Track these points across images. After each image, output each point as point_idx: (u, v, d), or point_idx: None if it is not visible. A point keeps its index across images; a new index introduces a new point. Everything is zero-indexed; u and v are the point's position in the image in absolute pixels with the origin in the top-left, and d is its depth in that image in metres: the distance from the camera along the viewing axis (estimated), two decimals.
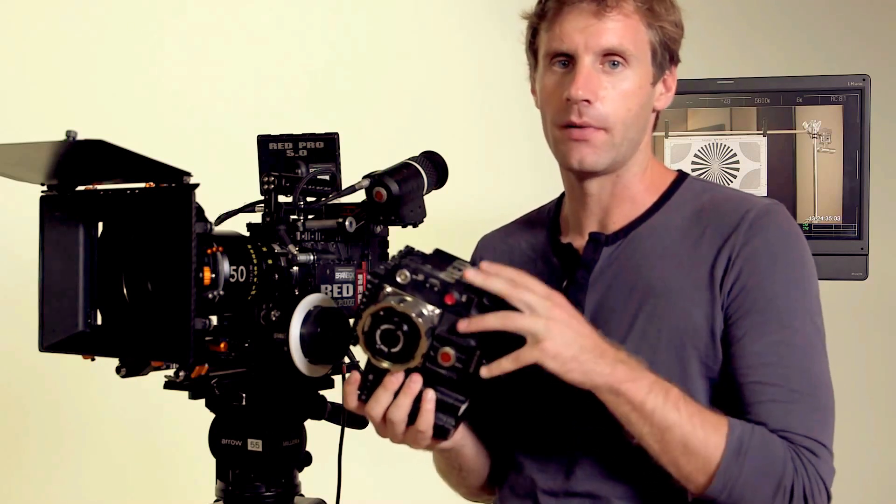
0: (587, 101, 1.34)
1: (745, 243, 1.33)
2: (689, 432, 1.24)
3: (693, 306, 1.34)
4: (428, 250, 1.29)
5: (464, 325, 1.18)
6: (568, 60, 1.37)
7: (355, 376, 1.25)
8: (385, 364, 1.20)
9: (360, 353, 1.29)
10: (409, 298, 1.19)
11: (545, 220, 1.55)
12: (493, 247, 1.59)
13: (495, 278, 1.20)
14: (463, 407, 1.24)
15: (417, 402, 1.22)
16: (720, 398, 1.34)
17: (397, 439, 1.26)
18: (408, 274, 1.20)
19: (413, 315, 1.17)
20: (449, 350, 1.19)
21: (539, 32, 1.42)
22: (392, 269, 1.21)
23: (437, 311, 1.20)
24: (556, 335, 1.19)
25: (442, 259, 1.26)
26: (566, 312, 1.21)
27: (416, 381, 1.21)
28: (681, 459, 1.25)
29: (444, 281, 1.20)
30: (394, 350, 1.19)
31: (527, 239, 1.54)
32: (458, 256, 1.28)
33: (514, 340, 1.21)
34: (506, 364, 1.19)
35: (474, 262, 1.59)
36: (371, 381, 1.23)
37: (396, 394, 1.22)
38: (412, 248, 1.28)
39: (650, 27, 1.38)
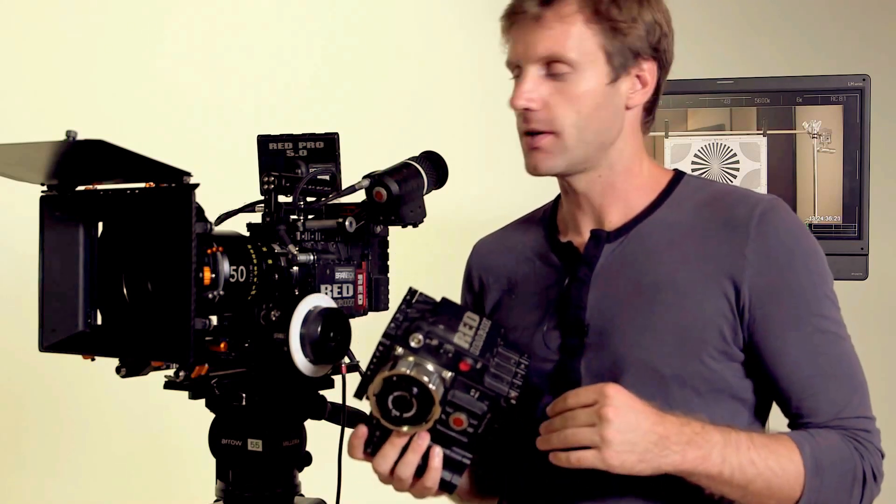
0: (529, 109, 1.37)
1: (758, 240, 1.34)
2: (770, 477, 1.27)
3: (702, 300, 1.34)
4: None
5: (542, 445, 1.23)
6: (519, 71, 1.39)
7: (362, 430, 1.24)
8: (396, 427, 1.21)
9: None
10: (421, 364, 1.19)
11: (542, 221, 1.55)
12: (488, 250, 1.59)
13: (553, 435, 1.23)
14: (469, 462, 1.24)
15: (424, 456, 1.23)
16: (759, 387, 1.37)
17: (402, 491, 1.28)
18: (421, 338, 1.19)
19: (427, 382, 1.17)
20: (461, 416, 1.20)
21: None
22: (405, 332, 1.20)
23: (450, 374, 1.20)
24: (616, 443, 1.20)
25: (451, 313, 1.26)
26: (620, 411, 1.21)
27: (424, 438, 1.22)
28: (767, 500, 1.29)
29: (459, 347, 1.20)
30: (406, 415, 1.19)
31: (524, 240, 1.55)
32: (466, 307, 1.29)
33: (529, 401, 1.24)
34: (572, 459, 1.21)
35: (472, 268, 1.60)
36: (378, 437, 1.24)
37: (403, 449, 1.23)
38: (415, 291, 1.29)
39: (596, 28, 1.36)
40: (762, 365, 1.35)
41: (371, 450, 1.24)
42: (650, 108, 1.45)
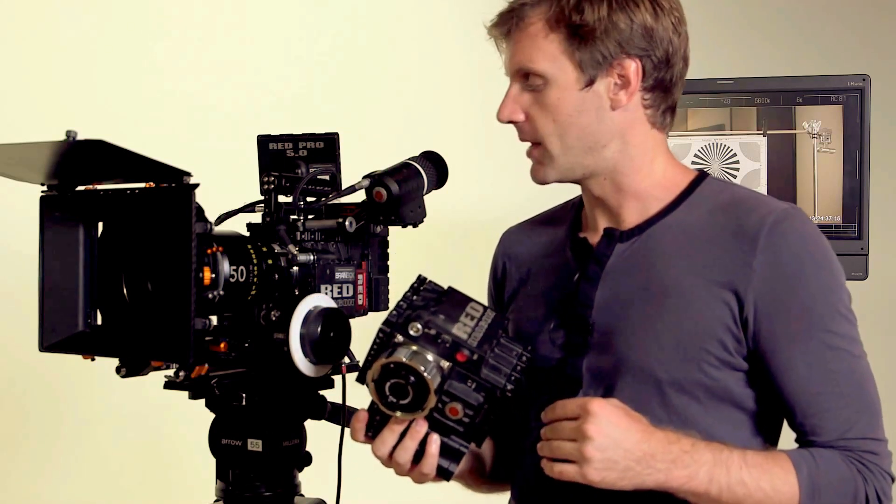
0: (514, 122, 1.41)
1: (767, 251, 1.32)
2: (761, 498, 1.26)
3: (706, 308, 1.33)
4: (440, 279, 1.30)
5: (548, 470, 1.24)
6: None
7: (363, 414, 1.27)
8: (392, 413, 1.22)
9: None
10: (419, 353, 1.20)
11: (568, 216, 1.55)
12: (515, 239, 1.61)
13: (544, 444, 1.25)
14: (466, 451, 1.25)
15: (423, 443, 1.24)
16: (763, 398, 1.36)
17: (401, 475, 1.29)
18: (420, 327, 1.21)
19: (423, 371, 1.18)
20: (457, 406, 1.21)
21: None
22: (405, 320, 1.22)
23: (448, 364, 1.20)
24: (595, 460, 1.20)
25: (455, 302, 1.27)
26: (601, 428, 1.21)
27: (422, 425, 1.24)
28: None
29: (457, 337, 1.21)
30: (403, 402, 1.21)
31: (548, 233, 1.55)
32: (472, 297, 1.30)
33: (530, 396, 1.25)
34: (555, 471, 1.23)
35: (498, 256, 1.61)
36: (378, 421, 1.26)
37: (402, 435, 1.24)
38: (424, 278, 1.31)
39: (560, 36, 1.36)
40: (769, 378, 1.34)
41: (372, 433, 1.26)
42: (657, 105, 1.41)
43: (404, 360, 1.18)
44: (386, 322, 1.23)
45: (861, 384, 1.33)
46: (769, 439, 1.40)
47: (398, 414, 1.22)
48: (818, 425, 1.32)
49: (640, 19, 1.36)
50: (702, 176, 1.46)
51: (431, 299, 1.27)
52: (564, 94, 1.37)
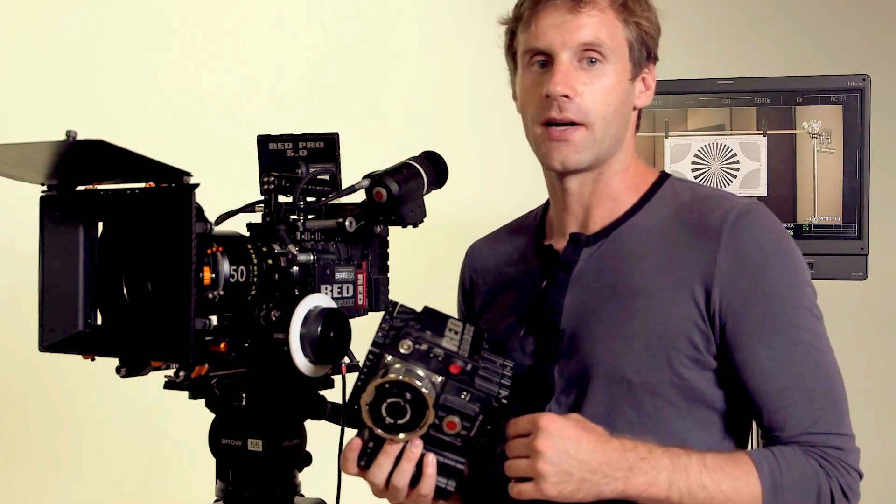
0: (566, 96, 1.34)
1: (730, 246, 1.32)
2: (723, 501, 1.25)
3: (674, 307, 1.33)
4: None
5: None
6: (546, 59, 1.37)
7: (356, 443, 1.25)
8: (390, 435, 1.21)
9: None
10: (412, 369, 1.20)
11: (531, 225, 1.55)
12: (480, 252, 1.61)
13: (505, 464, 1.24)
14: (463, 467, 1.24)
15: (418, 464, 1.23)
16: (732, 398, 1.35)
17: (396, 502, 1.27)
18: (410, 344, 1.20)
19: (421, 387, 1.18)
20: (455, 419, 1.21)
21: (516, 34, 1.42)
22: (393, 339, 1.21)
23: (440, 378, 1.20)
24: (550, 475, 1.20)
25: (435, 320, 1.27)
26: (552, 442, 1.21)
27: (418, 445, 1.22)
28: None
29: (448, 350, 1.21)
30: (400, 422, 1.20)
31: (513, 243, 1.55)
32: (448, 314, 1.31)
33: (529, 404, 1.26)
34: (513, 491, 1.23)
35: (465, 270, 1.61)
36: (371, 449, 1.24)
37: (397, 459, 1.23)
38: (396, 303, 1.31)
39: (625, 23, 1.38)
40: (735, 375, 1.33)
41: (364, 462, 1.25)
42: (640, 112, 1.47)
43: (400, 377, 1.18)
44: (374, 344, 1.23)
45: (826, 379, 1.32)
46: (738, 441, 1.39)
47: (401, 436, 1.21)
48: (783, 420, 1.31)
49: (660, 30, 1.42)
50: (664, 176, 1.47)
51: (410, 319, 1.27)
52: (621, 79, 1.38)
